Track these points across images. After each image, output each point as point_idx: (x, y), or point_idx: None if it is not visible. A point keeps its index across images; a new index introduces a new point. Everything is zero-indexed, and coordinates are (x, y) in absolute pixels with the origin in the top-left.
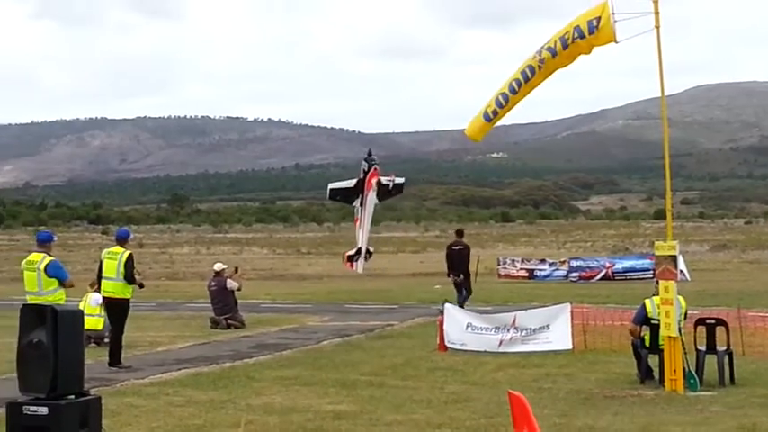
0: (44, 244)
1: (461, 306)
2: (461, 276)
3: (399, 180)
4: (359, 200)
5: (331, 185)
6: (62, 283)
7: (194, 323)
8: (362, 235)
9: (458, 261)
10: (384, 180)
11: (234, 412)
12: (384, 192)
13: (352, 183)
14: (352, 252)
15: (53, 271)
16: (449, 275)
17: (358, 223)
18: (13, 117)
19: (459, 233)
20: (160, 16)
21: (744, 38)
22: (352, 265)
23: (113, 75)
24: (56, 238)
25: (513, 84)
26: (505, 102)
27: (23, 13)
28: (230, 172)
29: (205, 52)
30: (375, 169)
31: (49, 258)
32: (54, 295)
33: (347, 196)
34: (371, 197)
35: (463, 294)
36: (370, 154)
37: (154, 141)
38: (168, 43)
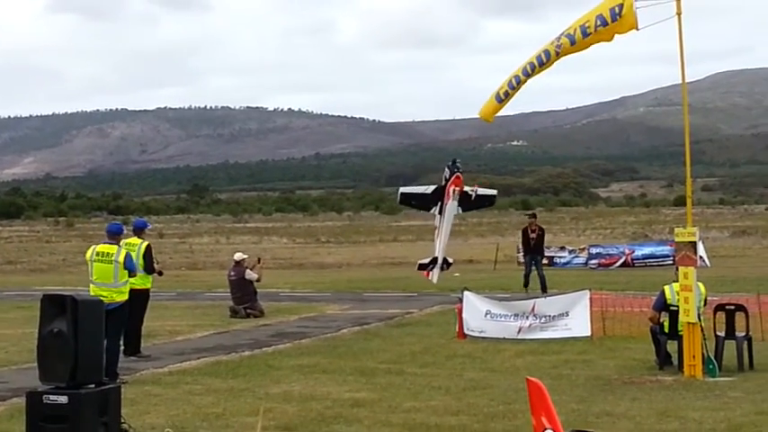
0: (116, 236)
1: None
2: None
3: (490, 192)
4: (437, 208)
5: (402, 189)
6: (131, 275)
7: (214, 312)
8: (440, 245)
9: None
10: (468, 189)
11: (253, 401)
12: (467, 201)
13: (429, 189)
14: (426, 261)
15: (130, 263)
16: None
17: (436, 232)
18: (34, 109)
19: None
20: (180, 7)
21: (765, 24)
22: (427, 274)
23: (134, 66)
24: (125, 231)
25: (527, 67)
26: (517, 84)
27: (43, 5)
28: (250, 162)
29: (226, 43)
30: (458, 177)
31: (125, 251)
32: (126, 287)
33: (422, 202)
34: (451, 206)
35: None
36: (454, 162)
37: (174, 132)
38: (188, 34)
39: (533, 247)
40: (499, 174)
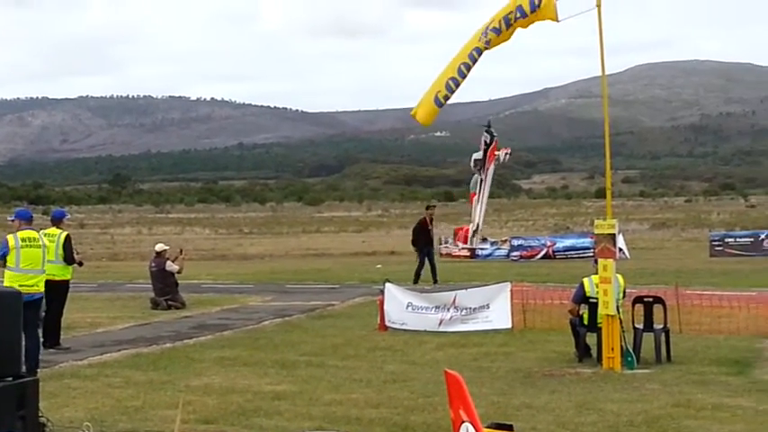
0: (31, 221)
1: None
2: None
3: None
4: (481, 171)
5: (475, 156)
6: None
7: (134, 304)
8: (480, 209)
9: None
10: (501, 153)
11: (173, 393)
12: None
13: (479, 155)
14: (474, 228)
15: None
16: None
17: (475, 198)
18: None
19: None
20: None
21: (684, 17)
22: (466, 240)
23: (55, 54)
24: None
25: (462, 67)
26: (456, 86)
27: None
28: (173, 152)
29: (148, 31)
30: (496, 142)
31: (44, 236)
32: (45, 275)
33: (478, 165)
34: (492, 170)
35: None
36: (489, 125)
37: (96, 121)
38: (111, 22)
39: (431, 239)
40: (422, 165)
